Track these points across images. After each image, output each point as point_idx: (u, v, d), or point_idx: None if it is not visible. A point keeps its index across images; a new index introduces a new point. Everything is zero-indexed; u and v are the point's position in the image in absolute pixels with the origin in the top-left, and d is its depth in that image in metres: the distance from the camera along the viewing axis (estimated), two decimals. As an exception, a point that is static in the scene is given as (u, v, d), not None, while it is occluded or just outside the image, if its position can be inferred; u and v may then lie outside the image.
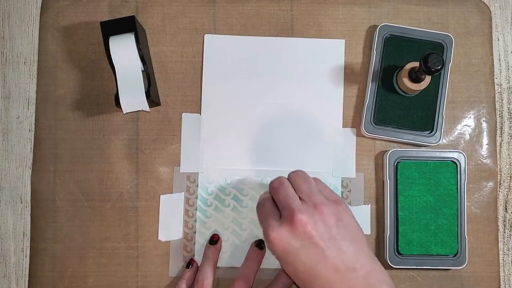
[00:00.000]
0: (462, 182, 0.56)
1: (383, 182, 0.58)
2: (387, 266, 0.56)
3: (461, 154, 0.56)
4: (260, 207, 0.50)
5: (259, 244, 0.56)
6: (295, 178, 0.49)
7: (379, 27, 0.58)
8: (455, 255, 0.56)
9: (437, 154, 0.56)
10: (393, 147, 0.58)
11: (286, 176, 0.51)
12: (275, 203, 0.49)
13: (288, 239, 0.45)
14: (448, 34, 0.58)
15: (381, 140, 0.59)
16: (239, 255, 0.57)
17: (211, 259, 0.55)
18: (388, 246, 0.56)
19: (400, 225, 0.56)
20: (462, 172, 0.56)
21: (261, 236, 0.57)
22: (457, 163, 0.56)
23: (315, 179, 0.50)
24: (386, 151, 0.57)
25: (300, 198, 0.47)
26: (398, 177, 0.56)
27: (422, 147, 0.58)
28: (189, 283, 0.55)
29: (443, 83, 0.58)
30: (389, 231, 0.56)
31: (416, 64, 0.54)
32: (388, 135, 0.57)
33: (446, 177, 0.56)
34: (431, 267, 0.56)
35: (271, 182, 0.50)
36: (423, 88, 0.55)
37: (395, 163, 0.56)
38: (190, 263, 0.56)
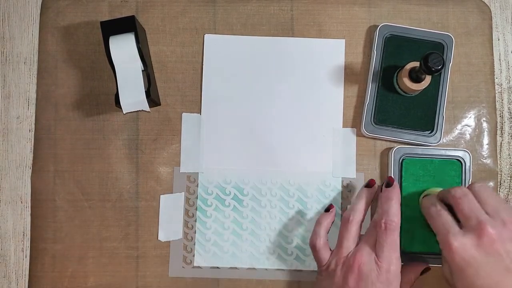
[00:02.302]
0: (467, 181, 0.56)
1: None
2: None
3: (466, 153, 0.56)
4: (436, 216, 0.47)
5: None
6: (481, 191, 0.46)
7: (379, 27, 0.58)
8: None
9: (442, 152, 0.56)
10: (394, 146, 0.58)
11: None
12: (453, 214, 0.46)
13: (472, 251, 0.42)
14: (449, 34, 0.58)
15: (382, 140, 0.59)
16: (239, 255, 0.57)
17: (365, 199, 0.53)
18: None
19: (404, 222, 0.55)
20: (467, 170, 0.56)
21: (262, 236, 0.57)
22: (462, 162, 0.56)
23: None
24: (391, 148, 0.57)
25: (486, 213, 0.44)
26: (403, 174, 0.56)
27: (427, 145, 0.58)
28: (328, 229, 0.53)
29: (443, 83, 0.58)
30: None
31: (416, 64, 0.54)
32: (389, 135, 0.57)
33: (451, 175, 0.56)
34: (434, 265, 0.55)
35: (452, 191, 0.47)
36: (424, 88, 0.55)
37: (400, 160, 0.56)
38: (329, 208, 0.55)
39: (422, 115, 0.57)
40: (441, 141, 0.57)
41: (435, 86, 0.57)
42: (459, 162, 0.56)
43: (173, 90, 0.59)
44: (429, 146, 0.57)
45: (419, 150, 0.56)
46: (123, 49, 0.53)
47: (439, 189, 0.53)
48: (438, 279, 0.57)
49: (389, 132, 0.57)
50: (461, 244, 0.43)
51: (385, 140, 0.59)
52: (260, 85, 0.59)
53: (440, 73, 0.57)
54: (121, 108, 0.53)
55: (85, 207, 0.58)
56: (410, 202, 0.56)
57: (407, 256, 0.55)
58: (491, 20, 0.60)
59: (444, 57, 0.57)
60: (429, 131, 0.57)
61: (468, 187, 0.48)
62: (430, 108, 0.57)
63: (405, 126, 0.57)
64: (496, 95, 0.60)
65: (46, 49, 0.59)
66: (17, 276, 0.58)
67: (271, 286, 0.57)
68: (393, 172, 0.56)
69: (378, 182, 0.58)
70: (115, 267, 0.57)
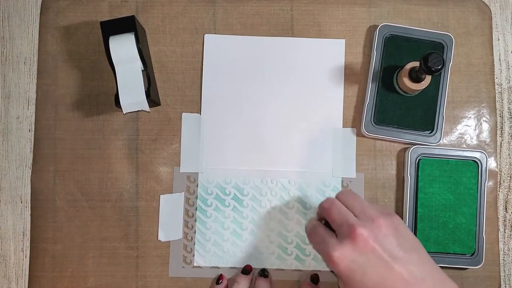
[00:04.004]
0: (483, 182, 0.56)
1: (400, 180, 0.58)
2: None
3: (483, 154, 0.56)
4: (312, 234, 0.48)
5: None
6: (345, 197, 0.48)
7: (379, 27, 0.58)
8: (472, 254, 0.56)
9: (459, 153, 0.56)
10: (393, 147, 0.58)
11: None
12: (327, 226, 0.48)
13: (352, 256, 0.43)
14: (448, 34, 0.58)
15: (382, 140, 0.59)
16: (239, 255, 0.57)
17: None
18: None
19: (419, 222, 0.55)
20: (483, 172, 0.56)
21: (262, 236, 0.57)
22: (479, 163, 0.56)
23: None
24: (408, 147, 0.57)
25: (354, 215, 0.46)
26: (419, 174, 0.56)
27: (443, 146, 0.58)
28: None
29: (443, 83, 0.58)
30: None
31: (416, 64, 0.54)
32: (389, 135, 0.57)
33: (467, 176, 0.56)
34: (447, 265, 0.56)
35: (321, 204, 0.49)
36: (424, 88, 0.55)
37: (417, 160, 0.56)
38: (219, 279, 0.56)
39: (422, 115, 0.57)
40: (441, 141, 0.57)
41: (435, 86, 0.57)
42: (475, 163, 0.56)
43: (173, 90, 0.59)
44: (430, 145, 0.57)
45: (436, 151, 0.56)
46: (123, 49, 0.53)
47: None
48: (453, 280, 0.57)
49: (389, 132, 0.57)
50: (340, 253, 0.44)
51: (385, 140, 0.59)
52: (260, 85, 0.59)
53: (440, 73, 0.57)
54: (121, 108, 0.53)
55: (85, 207, 0.58)
56: (426, 202, 0.56)
57: None
58: (491, 20, 0.60)
59: (444, 57, 0.57)
60: (429, 131, 0.57)
61: (336, 196, 0.49)
62: (430, 108, 0.57)
63: (405, 126, 0.57)
64: (496, 95, 0.60)
65: (46, 49, 0.59)
66: (17, 276, 0.58)
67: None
68: (409, 172, 0.56)
69: (383, 182, 0.58)
70: (115, 267, 0.57)
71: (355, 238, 0.43)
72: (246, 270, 0.56)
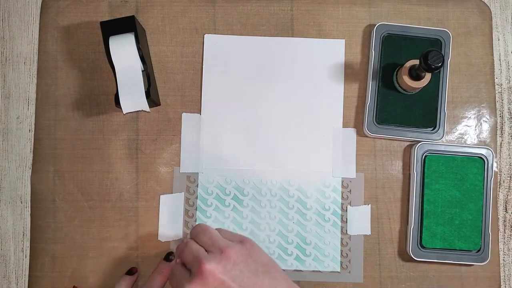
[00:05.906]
0: (489, 179, 0.56)
1: (405, 177, 0.58)
2: (409, 259, 0.56)
3: (489, 151, 0.56)
4: (171, 277, 0.48)
5: (167, 257, 0.55)
6: (195, 233, 0.49)
7: (376, 26, 0.58)
8: (478, 251, 0.56)
9: (465, 149, 0.56)
10: (393, 147, 0.58)
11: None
12: (186, 267, 0.48)
13: None
14: (445, 29, 0.58)
15: (385, 139, 0.58)
16: (239, 255, 0.57)
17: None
18: (412, 239, 0.56)
19: (425, 218, 0.56)
20: (489, 168, 0.56)
21: (262, 236, 0.57)
22: (485, 160, 0.56)
23: (217, 229, 0.50)
24: (414, 144, 0.57)
25: (206, 250, 0.46)
26: (425, 170, 0.56)
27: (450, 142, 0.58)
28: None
29: (443, 78, 0.58)
30: (413, 224, 0.56)
31: (415, 62, 0.54)
32: (392, 134, 0.57)
33: (473, 172, 0.56)
34: (453, 262, 0.56)
35: (177, 248, 0.49)
36: (424, 85, 0.55)
37: (423, 157, 0.56)
38: (131, 271, 0.56)
39: (424, 112, 0.57)
40: (444, 138, 0.57)
41: (435, 83, 0.57)
42: (481, 159, 0.56)
43: (173, 90, 0.59)
44: (434, 141, 0.57)
45: (442, 147, 0.56)
46: (123, 49, 0.53)
47: None
48: (453, 280, 0.57)
49: (392, 131, 0.57)
50: None
51: (388, 139, 0.58)
52: (260, 85, 0.59)
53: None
54: (121, 108, 0.53)
55: (85, 207, 0.58)
56: (432, 199, 0.56)
57: (427, 252, 0.55)
58: (491, 20, 0.60)
59: (443, 53, 0.57)
60: (432, 128, 0.57)
61: (190, 233, 0.50)
62: (431, 104, 0.57)
63: (408, 124, 0.57)
64: (496, 95, 0.60)
65: (46, 49, 0.59)
66: (17, 276, 0.58)
67: (271, 286, 0.57)
68: (415, 168, 0.56)
69: (383, 182, 0.58)
70: (115, 267, 0.57)
71: (203, 274, 0.44)
72: (130, 271, 0.56)
